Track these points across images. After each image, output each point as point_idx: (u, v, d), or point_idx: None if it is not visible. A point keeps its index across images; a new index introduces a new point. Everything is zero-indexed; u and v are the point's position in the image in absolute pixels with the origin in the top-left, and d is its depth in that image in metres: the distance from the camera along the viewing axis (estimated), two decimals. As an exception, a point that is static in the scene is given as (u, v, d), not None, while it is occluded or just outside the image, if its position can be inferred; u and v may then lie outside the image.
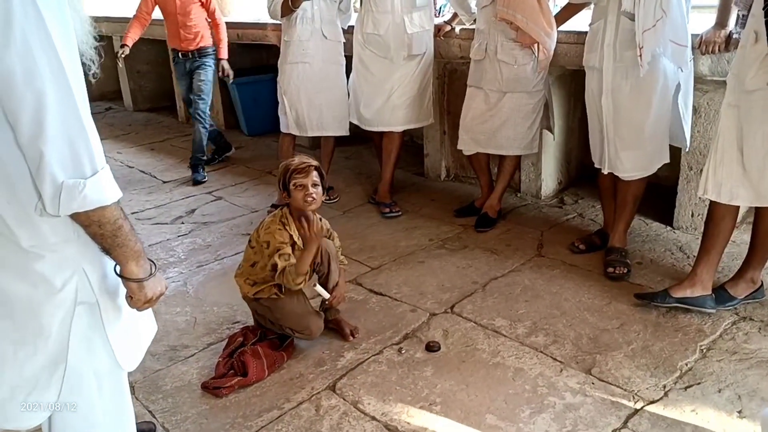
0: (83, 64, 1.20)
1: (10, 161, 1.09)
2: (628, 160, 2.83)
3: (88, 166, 1.09)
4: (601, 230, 3.19)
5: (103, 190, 1.11)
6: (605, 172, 2.92)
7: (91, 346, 1.26)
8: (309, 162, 2.30)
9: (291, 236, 2.30)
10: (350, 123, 3.81)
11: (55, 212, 1.09)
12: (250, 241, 2.39)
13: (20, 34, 1.00)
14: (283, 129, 3.78)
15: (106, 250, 1.19)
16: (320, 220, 2.41)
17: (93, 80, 1.29)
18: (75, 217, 1.12)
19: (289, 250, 2.27)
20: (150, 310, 1.38)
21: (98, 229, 1.14)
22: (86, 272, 1.21)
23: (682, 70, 2.71)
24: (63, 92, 1.05)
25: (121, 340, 1.31)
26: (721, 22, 2.77)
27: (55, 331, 1.21)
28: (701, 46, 2.80)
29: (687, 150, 2.99)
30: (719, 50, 2.79)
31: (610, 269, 2.86)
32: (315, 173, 2.28)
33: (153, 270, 1.26)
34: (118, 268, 1.23)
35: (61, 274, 1.19)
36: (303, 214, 2.30)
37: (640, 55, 2.61)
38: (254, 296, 2.37)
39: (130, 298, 1.26)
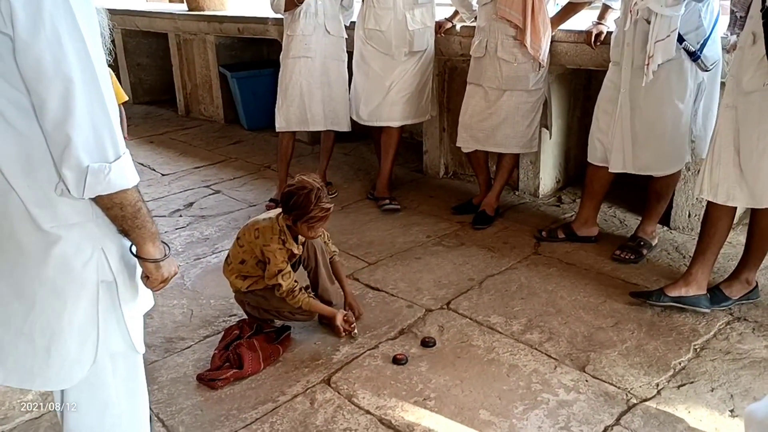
0: None
1: (32, 146, 1.13)
2: (644, 158, 2.83)
3: (111, 150, 1.14)
4: (569, 224, 3.23)
5: (125, 174, 1.16)
6: (613, 170, 2.92)
7: (108, 327, 1.29)
8: (331, 207, 2.27)
9: (290, 250, 2.32)
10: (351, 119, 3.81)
11: (79, 195, 1.13)
12: (238, 238, 2.39)
13: (49, 20, 1.03)
14: (278, 128, 3.73)
15: (125, 232, 1.24)
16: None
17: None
18: (98, 200, 1.17)
19: (290, 269, 2.30)
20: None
21: (120, 211, 1.19)
22: (105, 251, 1.25)
23: (706, 70, 2.68)
24: (89, 79, 1.09)
25: (135, 322, 1.35)
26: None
27: (82, 309, 1.25)
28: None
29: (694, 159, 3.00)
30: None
31: (618, 251, 2.96)
32: None
33: (167, 251, 1.31)
34: (134, 249, 1.27)
35: (81, 254, 1.22)
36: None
37: (647, 64, 2.62)
38: (247, 289, 2.39)
39: (146, 278, 1.30)
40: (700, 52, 2.63)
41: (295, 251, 2.34)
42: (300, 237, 2.37)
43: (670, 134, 2.78)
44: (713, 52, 2.68)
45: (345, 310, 2.49)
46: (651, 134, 2.79)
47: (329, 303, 2.50)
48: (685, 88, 2.70)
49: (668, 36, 2.57)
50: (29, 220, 1.17)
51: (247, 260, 2.36)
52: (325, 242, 2.52)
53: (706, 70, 2.68)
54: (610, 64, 2.91)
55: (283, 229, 2.31)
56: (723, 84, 2.64)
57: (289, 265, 2.31)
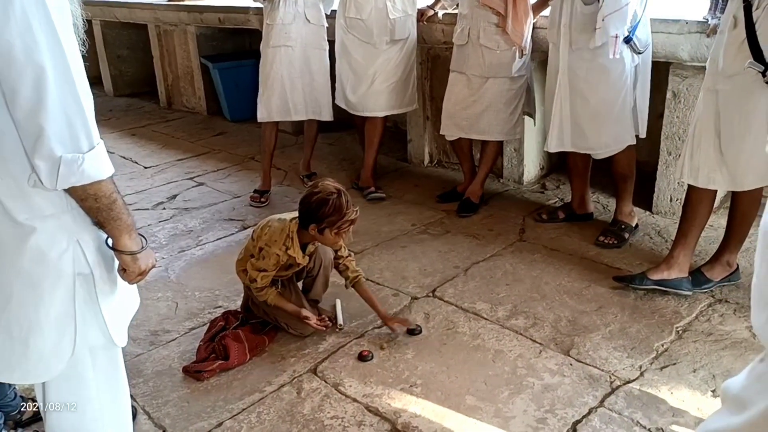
0: None
1: (4, 136, 1.11)
2: (588, 138, 2.91)
3: (84, 141, 1.12)
4: (568, 205, 3.29)
5: (99, 164, 1.15)
6: (548, 150, 3.03)
7: (85, 320, 1.28)
8: (357, 210, 2.20)
9: (293, 258, 2.26)
10: (333, 108, 3.78)
11: (52, 186, 1.11)
12: (252, 233, 2.35)
13: (20, 7, 1.02)
14: (260, 118, 3.68)
15: (101, 224, 1.22)
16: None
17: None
18: (72, 191, 1.15)
19: (272, 274, 2.26)
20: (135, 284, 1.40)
21: (94, 202, 1.17)
22: (81, 243, 1.23)
23: (639, 52, 2.76)
24: (61, 68, 1.07)
25: (114, 315, 1.32)
26: None
27: (59, 301, 1.23)
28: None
29: (643, 137, 3.03)
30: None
31: (601, 237, 3.01)
32: None
33: (144, 244, 1.29)
34: (110, 242, 1.25)
35: (57, 246, 1.21)
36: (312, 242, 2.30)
37: (597, 28, 2.68)
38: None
39: (124, 271, 1.28)
40: (632, 35, 2.71)
41: (299, 260, 2.27)
42: (309, 248, 2.32)
43: (610, 115, 2.84)
44: (645, 35, 2.77)
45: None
46: (593, 116, 2.86)
47: (316, 302, 2.50)
48: (622, 71, 2.76)
49: (617, 10, 2.64)
50: (3, 212, 1.16)
51: (257, 255, 2.32)
52: (347, 267, 2.41)
53: (639, 53, 2.76)
54: (550, 45, 2.94)
55: (291, 235, 2.23)
56: (703, 68, 2.67)
57: (273, 272, 2.26)
